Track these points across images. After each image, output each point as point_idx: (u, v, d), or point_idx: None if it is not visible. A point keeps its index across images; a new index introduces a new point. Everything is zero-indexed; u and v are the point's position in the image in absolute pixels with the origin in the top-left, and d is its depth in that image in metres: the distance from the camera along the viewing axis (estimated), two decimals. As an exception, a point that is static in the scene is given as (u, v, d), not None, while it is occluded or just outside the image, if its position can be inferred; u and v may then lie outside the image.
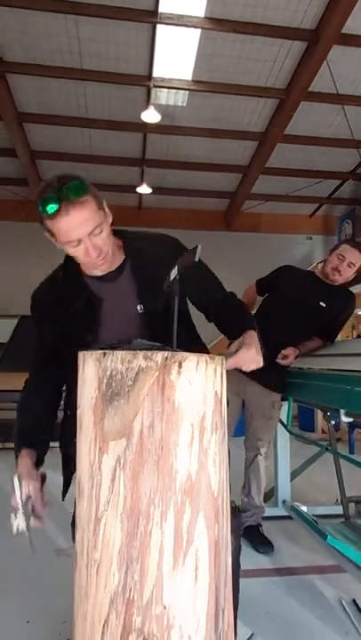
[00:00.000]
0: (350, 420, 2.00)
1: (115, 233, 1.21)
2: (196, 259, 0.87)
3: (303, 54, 6.01)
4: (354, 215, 10.14)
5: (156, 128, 7.52)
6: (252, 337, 1.20)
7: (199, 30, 5.72)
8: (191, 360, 0.80)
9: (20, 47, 6.01)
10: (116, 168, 9.07)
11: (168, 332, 1.02)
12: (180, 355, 0.80)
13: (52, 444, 1.28)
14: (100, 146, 8.36)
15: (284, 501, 2.72)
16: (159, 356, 0.79)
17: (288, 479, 2.78)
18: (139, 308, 1.19)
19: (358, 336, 9.58)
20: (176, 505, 0.76)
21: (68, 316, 1.20)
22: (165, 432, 0.77)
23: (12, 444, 1.22)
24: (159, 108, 6.95)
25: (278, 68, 6.33)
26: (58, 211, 1.01)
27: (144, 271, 1.21)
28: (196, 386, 0.81)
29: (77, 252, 1.10)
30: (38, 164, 8.69)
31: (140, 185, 9.27)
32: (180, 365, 0.79)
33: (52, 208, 1.01)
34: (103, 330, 1.19)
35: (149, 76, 6.54)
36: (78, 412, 0.85)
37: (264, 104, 7.05)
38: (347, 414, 1.96)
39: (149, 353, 0.79)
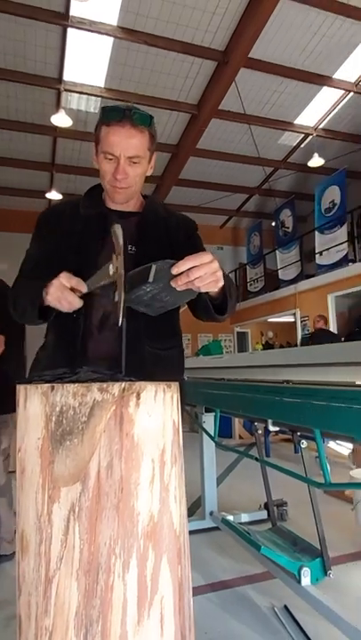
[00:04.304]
0: (277, 429, 2.07)
1: (144, 197, 1.31)
2: (150, 279, 0.81)
3: (213, 73, 6.26)
4: (261, 228, 10.77)
5: (68, 133, 7.30)
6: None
7: (112, 38, 5.68)
8: (149, 390, 0.74)
9: None
10: (22, 171, 8.62)
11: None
12: (138, 385, 0.73)
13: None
14: (3, 147, 7.88)
15: (211, 513, 2.73)
16: (116, 387, 0.71)
17: (215, 491, 2.80)
18: (129, 247, 1.18)
19: (267, 343, 10.15)
20: (139, 551, 0.69)
21: (82, 223, 1.20)
22: (125, 471, 0.70)
23: None
24: (70, 112, 6.77)
25: (190, 84, 6.52)
26: (117, 120, 1.07)
27: (149, 228, 1.24)
28: (156, 417, 0.75)
29: (107, 167, 1.12)
30: None
31: (49, 190, 8.91)
32: (138, 397, 0.73)
33: (113, 115, 1.07)
34: (108, 247, 1.17)
35: (60, 79, 6.33)
36: (19, 455, 0.74)
37: (177, 117, 7.21)
38: (274, 424, 2.02)
39: (105, 384, 0.71)
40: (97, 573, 0.67)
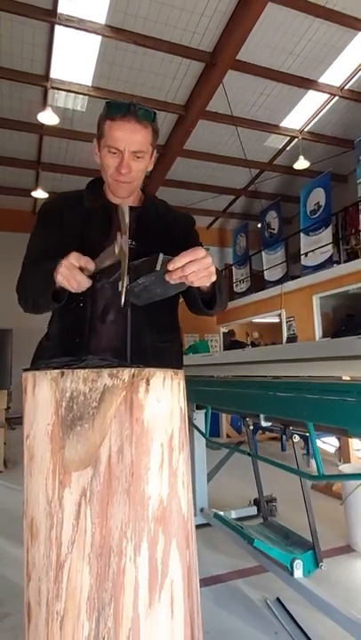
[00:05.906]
0: (269, 424, 2.09)
1: (143, 192, 1.31)
2: (157, 268, 0.82)
3: (201, 74, 6.29)
4: (247, 229, 10.85)
5: (54, 131, 7.25)
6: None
7: (100, 37, 5.67)
8: (158, 377, 0.75)
9: None
10: (7, 169, 8.52)
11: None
12: (147, 371, 0.74)
13: None
14: (-12, 144, 7.79)
15: (202, 509, 2.73)
16: (126, 373, 0.72)
17: (206, 488, 2.81)
18: (130, 242, 1.17)
19: (252, 343, 10.21)
20: (149, 535, 0.70)
21: (85, 215, 1.21)
22: (136, 456, 0.71)
23: None
24: (57, 110, 6.72)
25: (178, 85, 6.54)
26: (122, 115, 1.08)
27: (150, 223, 1.25)
28: (164, 403, 0.76)
29: (111, 161, 1.13)
30: None
31: (34, 189, 8.82)
32: (147, 383, 0.73)
33: (118, 110, 1.08)
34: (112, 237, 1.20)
35: (47, 77, 6.29)
36: (28, 442, 0.74)
37: (164, 118, 7.21)
38: (266, 419, 2.03)
39: (115, 370, 0.72)
40: (109, 557, 0.67)
